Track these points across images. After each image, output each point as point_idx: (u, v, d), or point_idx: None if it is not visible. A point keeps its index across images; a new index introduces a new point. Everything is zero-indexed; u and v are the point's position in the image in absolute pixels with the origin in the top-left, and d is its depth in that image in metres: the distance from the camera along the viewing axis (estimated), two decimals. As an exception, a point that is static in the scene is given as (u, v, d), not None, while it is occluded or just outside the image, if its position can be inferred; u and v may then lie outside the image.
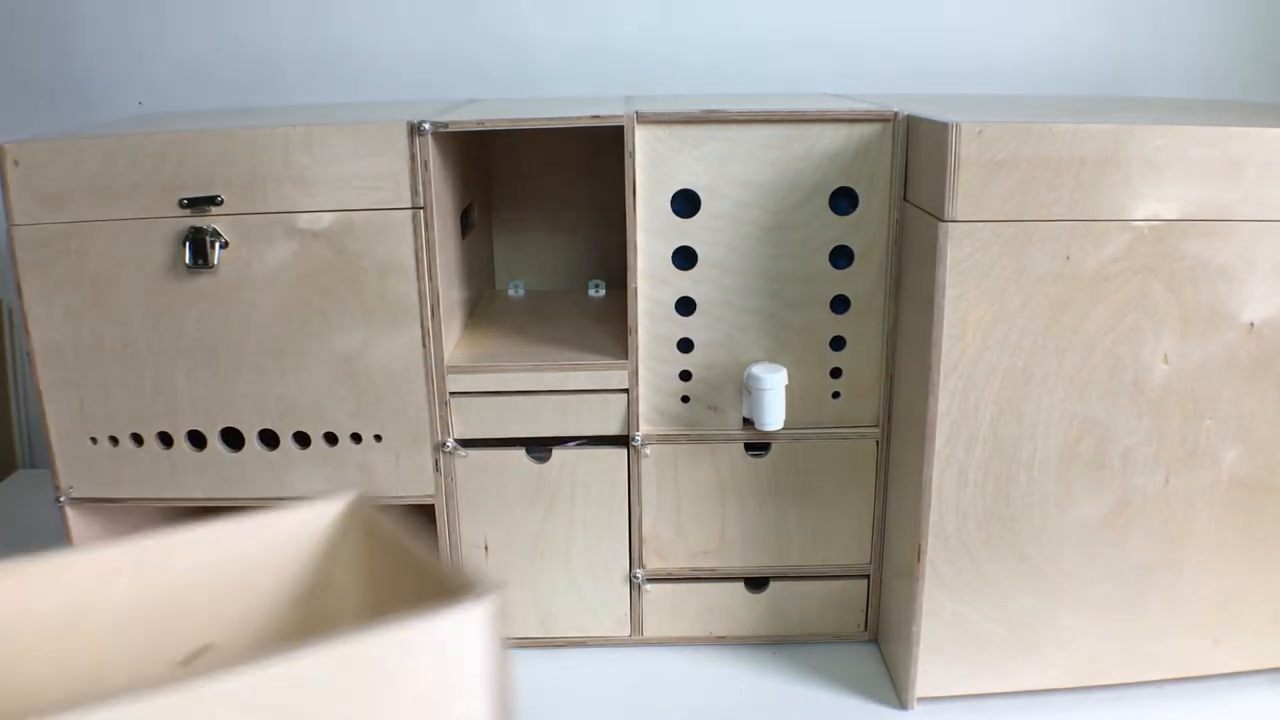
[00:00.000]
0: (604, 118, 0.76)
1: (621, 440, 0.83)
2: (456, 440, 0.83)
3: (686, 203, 0.78)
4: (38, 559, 0.42)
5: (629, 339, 0.81)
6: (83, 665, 0.44)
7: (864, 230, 0.78)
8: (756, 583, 0.88)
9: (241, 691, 0.34)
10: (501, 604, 0.38)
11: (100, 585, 0.44)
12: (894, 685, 0.82)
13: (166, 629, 0.46)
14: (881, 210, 0.78)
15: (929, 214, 0.71)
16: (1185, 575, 0.77)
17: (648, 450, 0.83)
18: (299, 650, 0.34)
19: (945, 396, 0.71)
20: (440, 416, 0.82)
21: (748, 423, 0.82)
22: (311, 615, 0.48)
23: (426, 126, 0.75)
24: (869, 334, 0.81)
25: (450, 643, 0.38)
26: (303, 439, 0.82)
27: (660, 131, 0.76)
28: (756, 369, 0.80)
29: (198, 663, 0.36)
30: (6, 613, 0.42)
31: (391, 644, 0.36)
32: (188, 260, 0.77)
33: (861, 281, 0.80)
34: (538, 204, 1.07)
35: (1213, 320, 0.71)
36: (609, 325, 0.92)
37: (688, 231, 0.79)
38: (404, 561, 0.45)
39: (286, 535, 0.48)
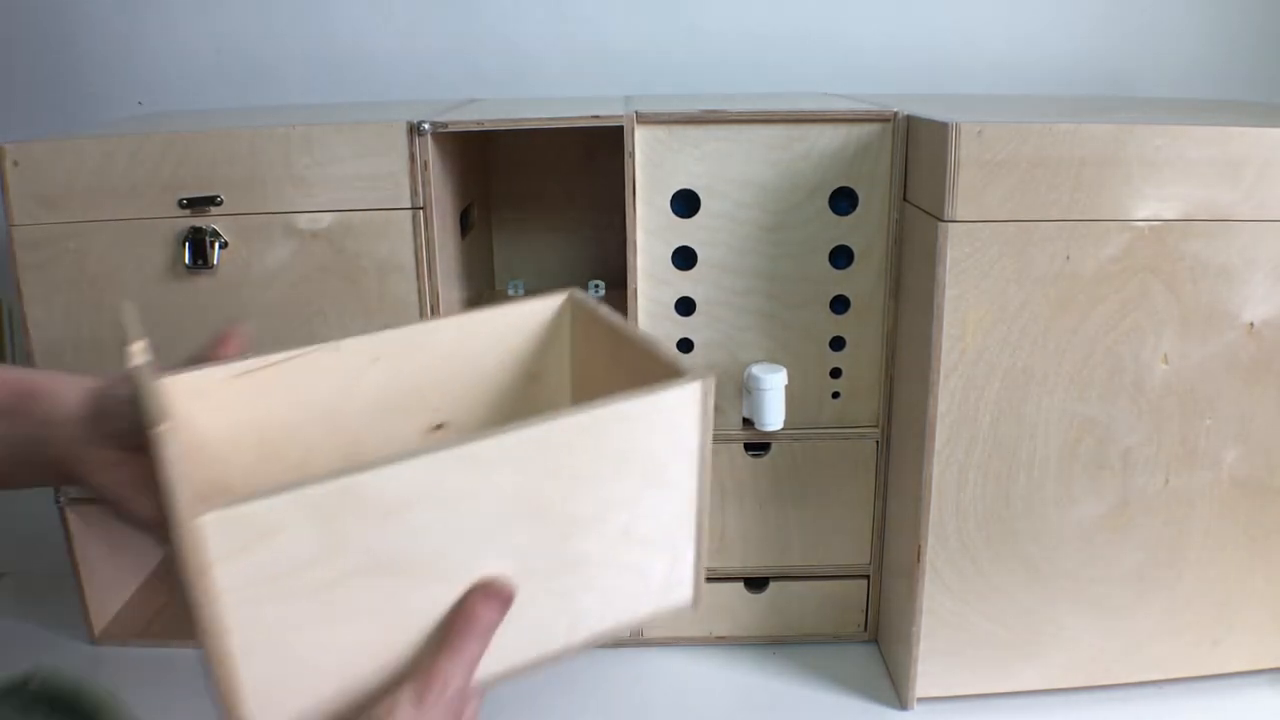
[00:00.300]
0: (604, 118, 0.76)
1: (621, 440, 0.83)
2: (456, 440, 0.82)
3: (686, 203, 0.78)
4: (310, 350, 0.49)
5: (629, 339, 0.81)
6: (347, 442, 0.51)
7: (864, 230, 0.78)
8: (756, 583, 0.88)
9: (493, 453, 0.40)
10: (712, 385, 0.44)
11: (362, 370, 0.51)
12: (894, 685, 0.82)
13: (411, 410, 0.52)
14: (881, 210, 0.78)
15: (929, 214, 0.71)
16: (1185, 575, 0.77)
17: (648, 450, 0.83)
18: (545, 419, 0.41)
19: (945, 396, 0.71)
20: (440, 416, 0.82)
21: (748, 423, 0.82)
22: (526, 401, 0.54)
23: (426, 126, 0.75)
24: (869, 334, 0.81)
25: (670, 415, 0.45)
26: (303, 439, 0.82)
27: (660, 131, 0.76)
28: (756, 369, 0.80)
29: (437, 438, 0.43)
30: (286, 399, 0.49)
31: (621, 415, 0.43)
32: (187, 260, 0.77)
33: (861, 281, 0.80)
34: (538, 204, 1.07)
35: (1213, 320, 0.71)
36: (609, 325, 0.91)
37: (687, 231, 0.79)
38: (620, 347, 0.51)
39: (510, 327, 0.54)
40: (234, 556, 0.36)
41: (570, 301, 0.55)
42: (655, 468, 0.45)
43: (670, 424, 0.45)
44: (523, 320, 0.55)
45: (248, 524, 0.36)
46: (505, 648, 0.43)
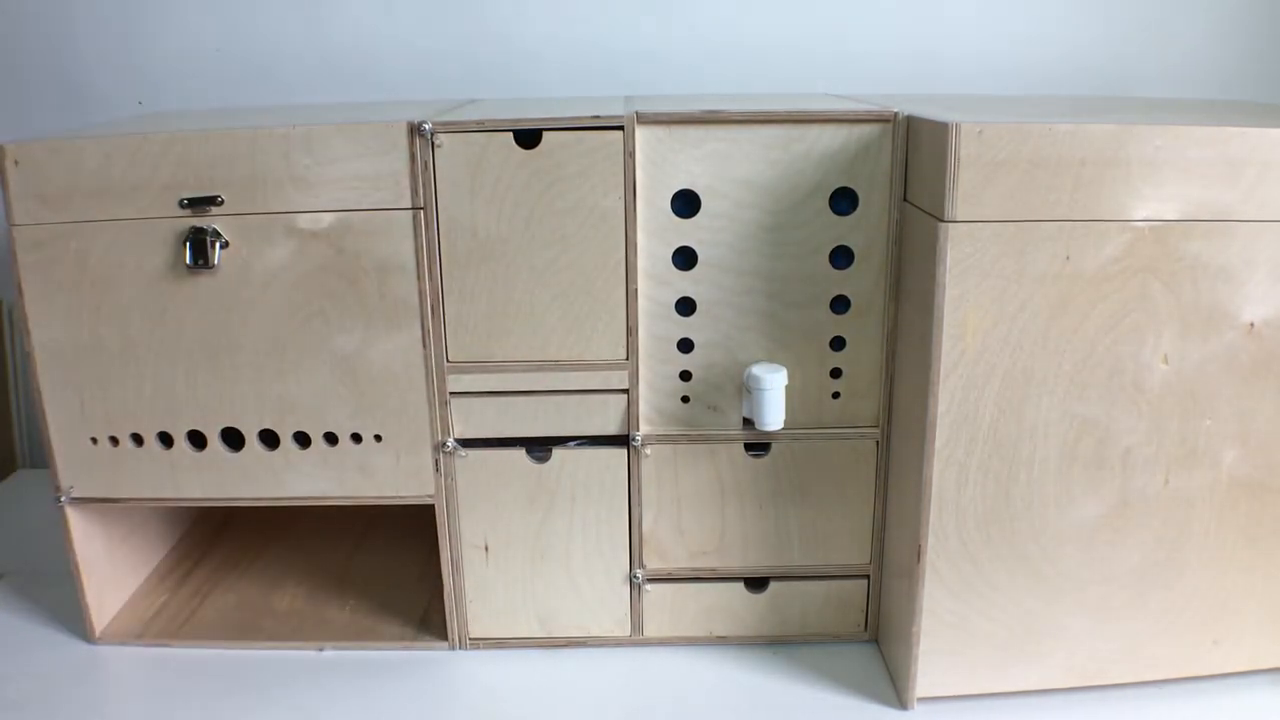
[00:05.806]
0: (604, 118, 0.76)
1: (621, 440, 0.83)
2: (457, 440, 0.83)
3: (686, 203, 0.78)
4: None
5: (629, 339, 0.81)
6: None
7: (864, 230, 0.78)
8: (756, 583, 0.88)
9: None
10: None
11: None
12: (894, 685, 0.82)
13: None
14: (881, 210, 0.78)
15: (929, 214, 0.71)
16: (1185, 575, 0.77)
17: (648, 450, 0.83)
18: None
19: (945, 396, 0.71)
20: (440, 416, 0.82)
21: (748, 423, 0.82)
22: None
23: (427, 127, 0.75)
24: (869, 334, 0.81)
25: None
26: (303, 439, 0.82)
27: (660, 132, 0.76)
28: (756, 369, 0.80)
29: None
30: None
31: None
32: (188, 260, 0.77)
33: (861, 281, 0.80)
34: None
35: (1213, 320, 0.71)
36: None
37: (688, 232, 0.79)
38: None
39: None
40: None
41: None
42: None
43: None
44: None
45: None
46: None
